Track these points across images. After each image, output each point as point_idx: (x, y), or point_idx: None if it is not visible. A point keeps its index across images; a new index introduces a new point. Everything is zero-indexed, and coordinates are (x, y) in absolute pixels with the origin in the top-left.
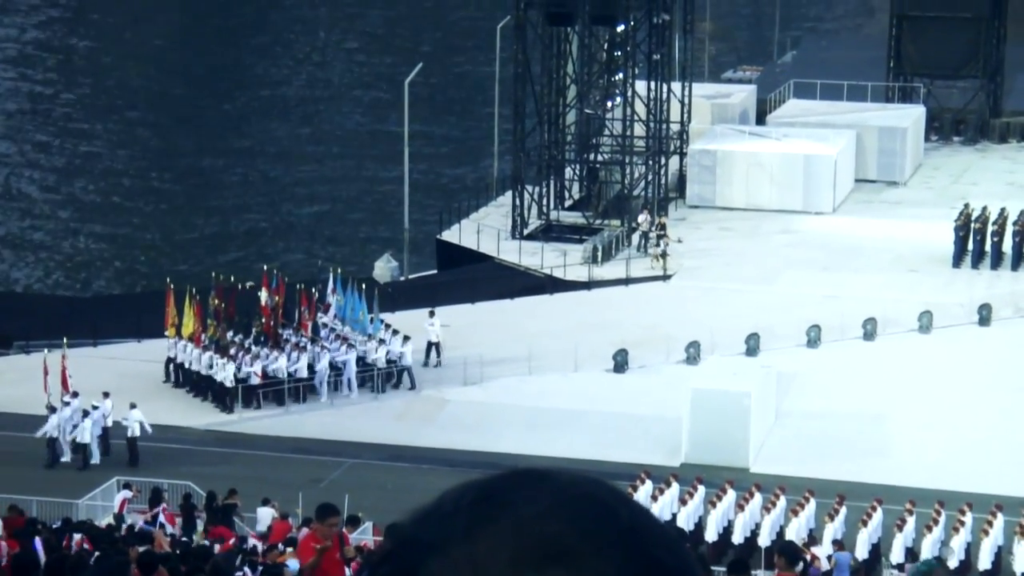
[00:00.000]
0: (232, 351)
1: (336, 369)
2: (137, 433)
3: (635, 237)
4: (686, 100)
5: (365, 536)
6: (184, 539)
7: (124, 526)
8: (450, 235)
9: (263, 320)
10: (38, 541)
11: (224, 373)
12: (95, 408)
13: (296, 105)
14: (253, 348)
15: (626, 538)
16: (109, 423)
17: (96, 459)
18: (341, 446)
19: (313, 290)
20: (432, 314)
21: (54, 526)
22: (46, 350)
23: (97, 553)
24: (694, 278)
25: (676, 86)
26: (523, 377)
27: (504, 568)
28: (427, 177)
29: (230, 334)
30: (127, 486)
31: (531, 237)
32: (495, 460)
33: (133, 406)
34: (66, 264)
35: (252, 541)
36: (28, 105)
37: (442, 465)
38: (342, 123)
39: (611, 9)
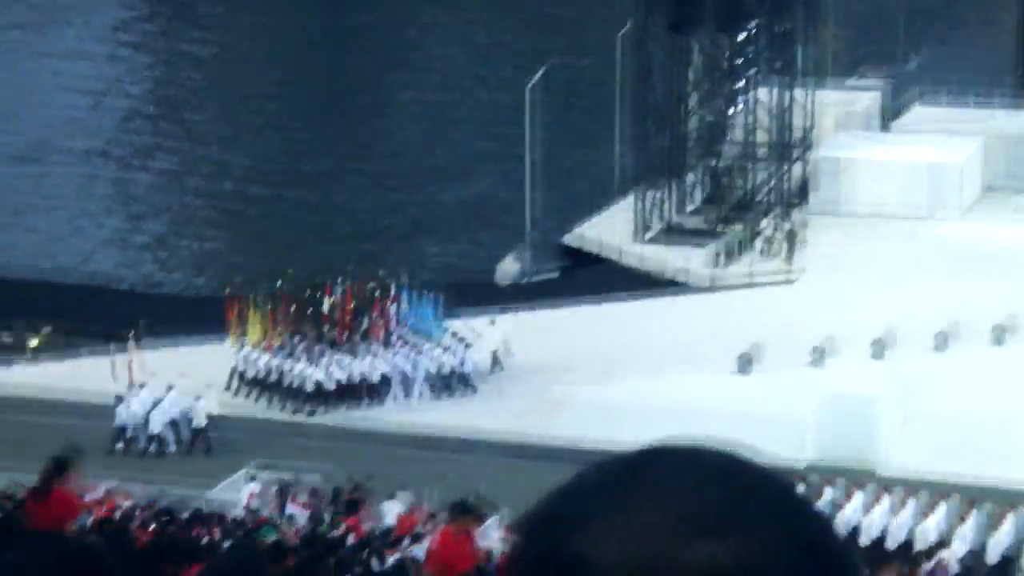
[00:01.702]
0: (312, 354)
1: (405, 374)
2: (203, 423)
3: (758, 241)
4: (809, 106)
5: (493, 530)
6: (312, 531)
7: (253, 517)
8: (573, 238)
9: (333, 326)
10: None
11: (306, 375)
12: (164, 399)
13: (417, 106)
14: (329, 352)
15: (782, 511)
16: (176, 414)
17: (171, 447)
18: (467, 443)
19: (380, 294)
20: (492, 322)
21: (183, 516)
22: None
23: (229, 542)
24: (819, 282)
25: (799, 92)
26: (648, 377)
27: (657, 542)
28: (550, 179)
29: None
30: (254, 478)
31: (654, 240)
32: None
33: (199, 398)
34: (198, 262)
35: (378, 534)
36: (149, 103)
37: (567, 462)
38: (465, 126)
39: (734, 16)
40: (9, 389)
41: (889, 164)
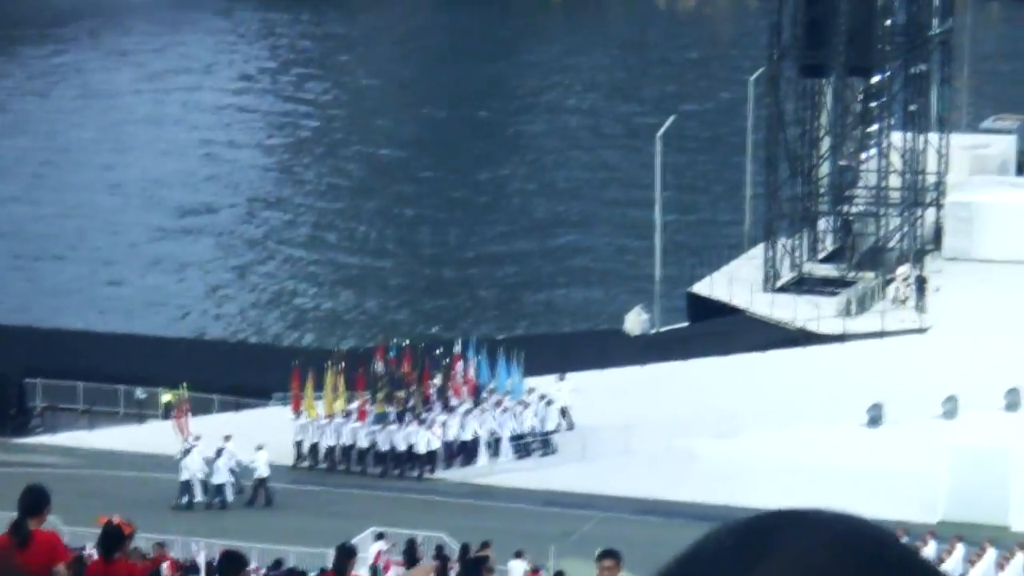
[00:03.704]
0: (411, 417)
1: (494, 434)
2: (265, 474)
3: (890, 290)
4: (943, 151)
5: None
6: None
7: None
8: (702, 287)
9: (419, 388)
10: None
11: (416, 439)
12: (221, 450)
13: (543, 154)
14: (424, 416)
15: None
16: (234, 465)
17: (230, 497)
18: (592, 499)
19: (446, 353)
20: (562, 378)
21: (311, 575)
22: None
23: None
24: (951, 331)
25: (933, 136)
26: (776, 430)
27: None
28: (679, 228)
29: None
30: (381, 536)
31: (784, 289)
32: (746, 514)
33: (260, 447)
34: (316, 315)
35: None
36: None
37: (694, 519)
38: (592, 173)
39: (867, 60)
40: (138, 446)
41: None
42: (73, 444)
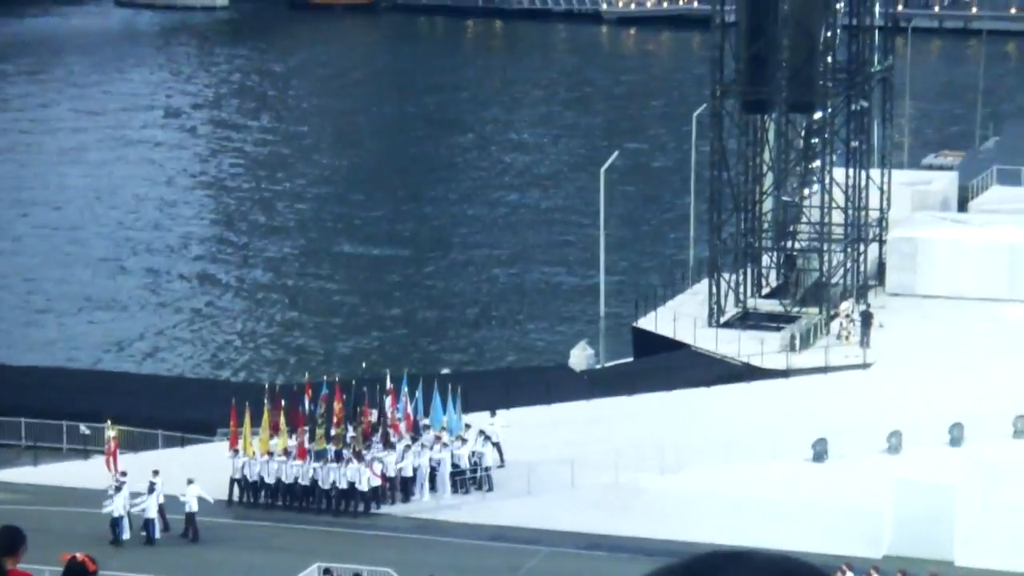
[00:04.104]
0: (349, 455)
1: (433, 470)
2: (195, 508)
3: (834, 325)
4: (885, 187)
5: None
6: None
7: None
8: (646, 322)
9: (358, 425)
10: None
11: (357, 476)
12: (153, 485)
13: (488, 190)
14: (370, 451)
15: None
16: (162, 499)
17: (157, 534)
18: (538, 533)
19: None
20: (493, 414)
21: None
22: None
23: None
24: (895, 366)
25: (875, 173)
26: (721, 465)
27: None
28: (623, 264)
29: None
30: (327, 572)
31: (728, 325)
32: (693, 549)
33: (191, 481)
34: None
35: None
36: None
37: (639, 554)
38: (537, 209)
39: (809, 96)
40: (83, 482)
41: (967, 245)
42: (17, 480)
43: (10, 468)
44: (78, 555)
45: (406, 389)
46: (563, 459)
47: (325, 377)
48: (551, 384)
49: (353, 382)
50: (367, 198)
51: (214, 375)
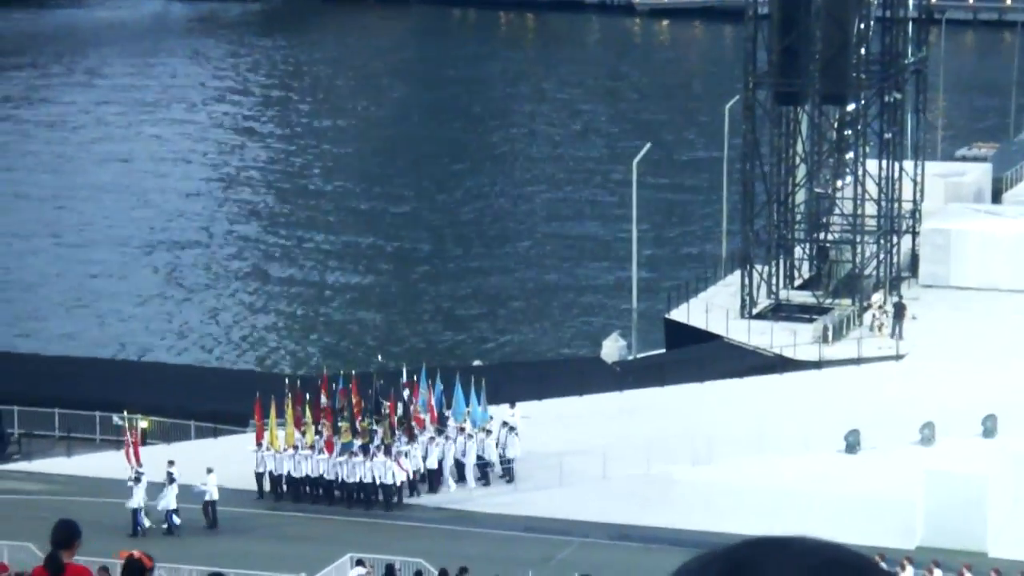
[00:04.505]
0: (375, 449)
1: (458, 461)
2: (215, 497)
3: (866, 317)
4: (919, 178)
5: None
6: None
7: None
8: (678, 314)
9: (385, 419)
10: None
11: (383, 471)
12: (171, 475)
13: (520, 183)
14: (396, 445)
15: None
16: (177, 490)
17: (178, 522)
18: (570, 524)
19: (406, 382)
20: (513, 405)
21: None
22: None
23: None
24: (927, 358)
25: (908, 164)
26: (753, 456)
27: None
28: (655, 256)
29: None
30: (360, 562)
31: (760, 316)
32: (725, 540)
33: (210, 471)
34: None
35: None
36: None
37: (672, 545)
38: (569, 201)
39: (842, 88)
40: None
41: (1000, 237)
42: (51, 471)
43: (44, 459)
44: (135, 552)
45: (428, 381)
46: (595, 450)
47: (342, 372)
48: (583, 375)
49: (372, 372)
50: (397, 190)
51: (247, 366)
